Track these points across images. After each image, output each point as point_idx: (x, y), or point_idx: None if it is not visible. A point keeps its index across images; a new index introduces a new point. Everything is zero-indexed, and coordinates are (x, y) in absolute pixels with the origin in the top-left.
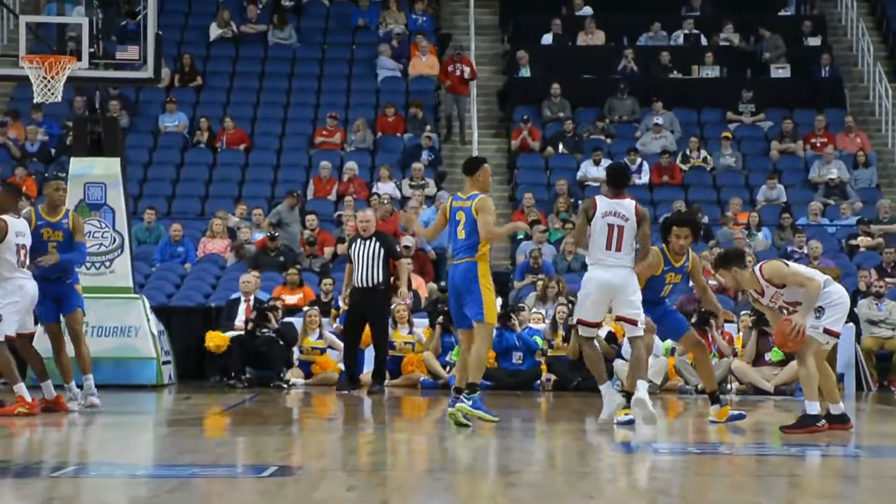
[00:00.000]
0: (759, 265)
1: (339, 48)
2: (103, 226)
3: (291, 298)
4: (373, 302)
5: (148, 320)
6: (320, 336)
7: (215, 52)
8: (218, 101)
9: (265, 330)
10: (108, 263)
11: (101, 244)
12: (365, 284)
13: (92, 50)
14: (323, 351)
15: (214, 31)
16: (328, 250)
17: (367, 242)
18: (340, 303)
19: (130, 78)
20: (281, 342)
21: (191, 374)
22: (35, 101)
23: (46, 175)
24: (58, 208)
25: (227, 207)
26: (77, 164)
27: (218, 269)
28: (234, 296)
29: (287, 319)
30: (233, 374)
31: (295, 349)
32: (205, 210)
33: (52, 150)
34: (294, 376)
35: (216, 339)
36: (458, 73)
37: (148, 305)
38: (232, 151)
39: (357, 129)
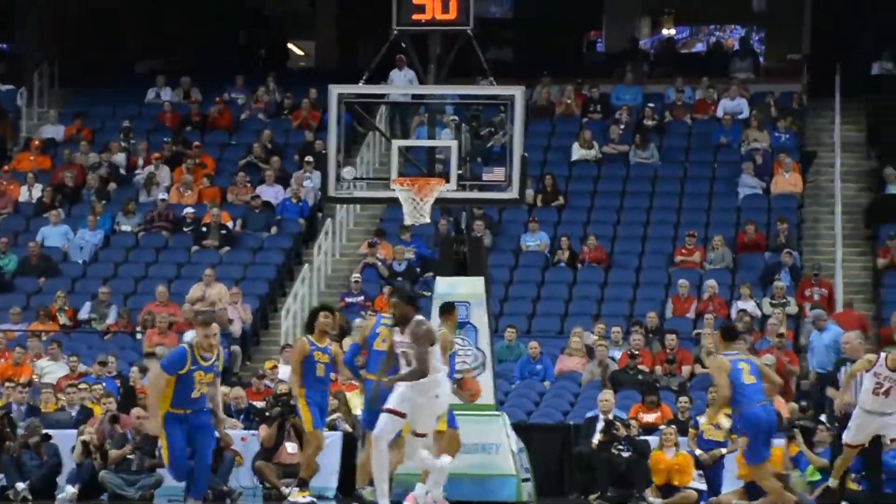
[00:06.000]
0: None
1: (701, 166)
2: (466, 344)
3: (649, 417)
4: None
5: (508, 437)
6: (676, 454)
7: (577, 172)
8: (579, 221)
9: (622, 447)
10: None
11: (463, 362)
12: None
13: (460, 172)
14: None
15: (577, 152)
16: (685, 369)
17: None
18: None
19: (496, 199)
20: (641, 459)
21: (551, 492)
22: (405, 222)
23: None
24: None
25: (586, 325)
26: (442, 284)
27: (576, 386)
28: (590, 414)
29: (643, 437)
30: (593, 493)
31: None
32: (563, 328)
33: (418, 270)
34: (652, 495)
35: None
36: (815, 297)
37: (508, 422)
38: (592, 269)
39: (715, 247)
